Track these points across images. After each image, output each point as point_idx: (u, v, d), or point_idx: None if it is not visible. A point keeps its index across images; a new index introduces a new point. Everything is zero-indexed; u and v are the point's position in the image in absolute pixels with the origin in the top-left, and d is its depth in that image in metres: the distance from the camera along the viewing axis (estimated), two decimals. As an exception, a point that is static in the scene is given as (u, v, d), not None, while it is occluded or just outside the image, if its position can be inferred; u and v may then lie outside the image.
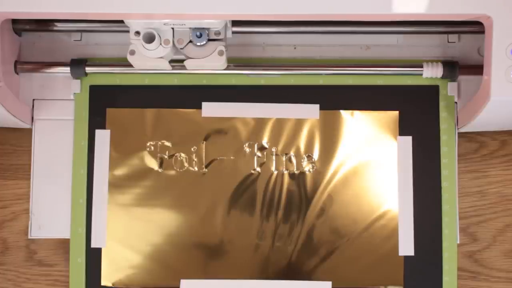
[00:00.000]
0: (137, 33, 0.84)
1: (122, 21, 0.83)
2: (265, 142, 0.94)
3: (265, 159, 0.94)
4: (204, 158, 0.93)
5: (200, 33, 0.84)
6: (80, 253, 0.92)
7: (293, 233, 0.92)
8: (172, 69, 0.90)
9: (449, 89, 0.93)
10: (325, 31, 0.93)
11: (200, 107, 0.94)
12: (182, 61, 0.87)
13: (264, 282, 0.92)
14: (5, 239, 0.95)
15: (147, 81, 0.94)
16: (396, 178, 0.93)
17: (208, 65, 0.87)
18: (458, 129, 0.93)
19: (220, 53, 0.85)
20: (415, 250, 0.92)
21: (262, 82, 0.94)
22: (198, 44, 0.85)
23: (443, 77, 0.92)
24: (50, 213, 0.94)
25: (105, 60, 0.94)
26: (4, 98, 0.87)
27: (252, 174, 0.93)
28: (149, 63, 0.86)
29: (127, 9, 0.79)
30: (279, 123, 0.94)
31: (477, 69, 0.87)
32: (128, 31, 0.84)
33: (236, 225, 0.93)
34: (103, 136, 0.93)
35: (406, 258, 0.92)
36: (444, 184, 0.92)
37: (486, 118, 0.86)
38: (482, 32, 0.83)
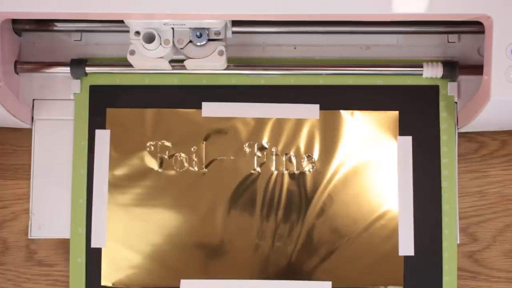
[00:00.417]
0: (137, 33, 0.84)
1: (122, 21, 0.83)
2: (265, 142, 0.94)
3: (265, 159, 0.94)
4: (204, 158, 0.93)
5: (200, 33, 0.84)
6: (80, 253, 0.92)
7: (293, 233, 0.92)
8: (172, 69, 0.90)
9: (449, 89, 0.93)
10: (325, 31, 0.93)
11: (200, 107, 0.94)
12: (182, 61, 0.87)
13: (264, 282, 0.92)
14: (5, 239, 0.95)
15: (147, 81, 0.94)
16: (396, 178, 0.93)
17: (208, 65, 0.87)
18: (458, 129, 0.93)
19: (220, 53, 0.85)
20: (415, 250, 0.92)
21: (262, 82, 0.94)
22: (198, 44, 0.85)
23: (443, 77, 0.92)
24: (50, 213, 0.94)
25: (105, 60, 0.94)
26: (4, 98, 0.87)
27: (252, 174, 0.93)
28: (149, 63, 0.86)
29: (127, 9, 0.79)
30: (279, 123, 0.94)
31: (477, 69, 0.87)
32: (128, 31, 0.84)
33: (236, 225, 0.93)
34: (103, 136, 0.93)
35: (406, 258, 0.92)
36: (444, 184, 0.92)
37: (486, 118, 0.86)
38: (482, 32, 0.83)
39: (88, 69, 0.93)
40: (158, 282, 0.92)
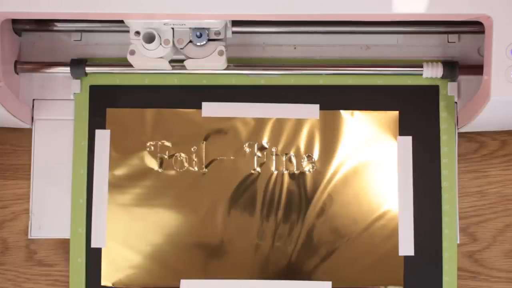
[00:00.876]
0: (137, 33, 0.84)
1: (122, 21, 0.83)
2: (265, 142, 0.94)
3: (265, 159, 0.94)
4: (204, 158, 0.93)
5: (200, 33, 0.84)
6: (80, 253, 0.92)
7: (293, 233, 0.92)
8: (172, 69, 0.90)
9: (449, 89, 0.93)
10: (325, 31, 0.93)
11: (200, 107, 0.94)
12: (182, 61, 0.87)
13: (264, 282, 0.92)
14: (5, 239, 0.95)
15: (147, 81, 0.94)
16: (396, 178, 0.93)
17: (208, 65, 0.87)
18: (458, 129, 0.93)
19: (220, 53, 0.85)
20: (415, 250, 0.92)
21: (262, 82, 0.94)
22: (198, 44, 0.85)
23: (443, 77, 0.92)
24: (50, 213, 0.94)
25: (105, 60, 0.94)
26: (4, 98, 0.87)
27: (252, 174, 0.93)
28: (149, 63, 0.86)
29: (127, 9, 0.79)
30: (279, 123, 0.94)
31: (477, 69, 0.87)
32: (128, 31, 0.84)
33: (236, 225, 0.93)
34: (103, 136, 0.93)
35: (406, 258, 0.92)
36: (444, 184, 0.92)
37: (486, 118, 0.86)
38: (482, 32, 0.83)
39: (88, 69, 0.93)
40: (158, 282, 0.92)
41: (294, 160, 0.94)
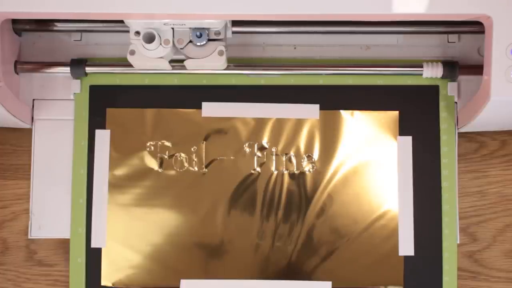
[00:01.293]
0: (137, 33, 0.84)
1: (122, 21, 0.83)
2: (265, 142, 0.94)
3: (265, 159, 0.94)
4: (204, 158, 0.93)
5: (200, 33, 0.84)
6: (80, 253, 0.92)
7: (293, 233, 0.92)
8: (172, 69, 0.90)
9: (449, 89, 0.93)
10: (325, 31, 0.93)
11: (200, 107, 0.94)
12: (182, 61, 0.87)
13: (264, 282, 0.92)
14: (5, 239, 0.95)
15: (147, 81, 0.94)
16: (396, 178, 0.93)
17: (208, 65, 0.87)
18: (458, 129, 0.93)
19: (220, 53, 0.85)
20: (415, 250, 0.92)
21: (262, 82, 0.94)
22: (198, 44, 0.85)
23: (443, 77, 0.92)
24: (50, 213, 0.94)
25: (105, 60, 0.94)
26: (4, 98, 0.87)
27: (252, 174, 0.93)
28: (149, 63, 0.86)
29: (127, 9, 0.79)
30: (279, 123, 0.94)
31: (477, 69, 0.87)
32: (128, 31, 0.84)
33: (236, 225, 0.93)
34: (103, 136, 0.93)
35: (406, 258, 0.92)
36: (444, 184, 0.92)
37: (486, 118, 0.86)
38: (482, 32, 0.83)
39: (88, 69, 0.93)
40: (158, 282, 0.92)
41: (294, 160, 0.94)
